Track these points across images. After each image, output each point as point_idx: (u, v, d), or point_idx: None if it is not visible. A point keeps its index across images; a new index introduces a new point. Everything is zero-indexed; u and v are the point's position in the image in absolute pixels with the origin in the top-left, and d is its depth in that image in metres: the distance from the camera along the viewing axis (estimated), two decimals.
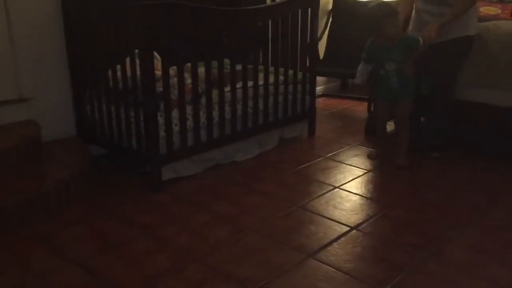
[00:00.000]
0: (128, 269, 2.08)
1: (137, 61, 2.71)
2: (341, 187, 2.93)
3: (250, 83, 3.26)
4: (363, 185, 2.96)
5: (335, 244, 2.28)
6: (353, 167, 3.24)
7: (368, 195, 2.82)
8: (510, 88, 3.14)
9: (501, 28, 3.23)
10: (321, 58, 4.86)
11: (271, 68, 3.50)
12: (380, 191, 2.91)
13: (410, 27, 3.34)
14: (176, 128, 2.87)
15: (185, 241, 2.30)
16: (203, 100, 2.99)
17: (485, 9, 3.82)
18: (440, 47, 3.08)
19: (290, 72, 3.60)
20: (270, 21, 3.57)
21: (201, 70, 2.97)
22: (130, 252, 2.21)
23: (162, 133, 2.80)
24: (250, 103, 3.31)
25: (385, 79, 3.14)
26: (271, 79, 3.45)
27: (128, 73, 2.80)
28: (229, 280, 2.00)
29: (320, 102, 4.80)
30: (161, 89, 2.76)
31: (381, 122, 3.43)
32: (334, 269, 2.08)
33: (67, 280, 2.00)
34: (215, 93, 3.05)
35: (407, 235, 2.38)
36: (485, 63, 3.18)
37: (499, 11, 3.81)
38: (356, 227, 2.45)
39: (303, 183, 3.00)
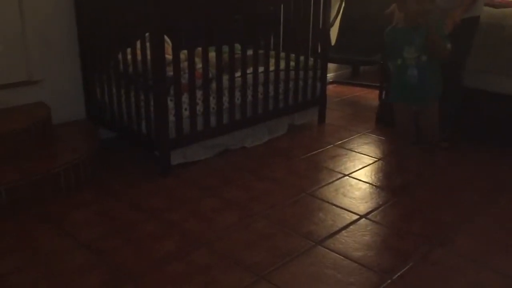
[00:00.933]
0: (135, 252, 2.09)
1: (148, 44, 2.69)
2: (350, 175, 2.91)
3: (261, 69, 3.24)
4: (373, 173, 2.94)
5: (343, 232, 2.27)
6: (363, 155, 3.22)
7: (378, 184, 2.80)
8: None
9: None
10: (332, 44, 4.80)
11: (282, 54, 3.46)
12: (390, 179, 2.89)
13: None
14: (186, 113, 2.86)
15: (193, 226, 2.30)
16: (213, 85, 2.97)
17: None
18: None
19: (301, 58, 3.56)
20: (282, 5, 3.52)
21: (212, 54, 2.94)
22: (138, 236, 2.22)
23: (171, 117, 2.79)
24: (261, 88, 3.29)
25: (402, 71, 2.60)
26: (282, 64, 3.42)
27: (139, 56, 2.79)
28: (237, 265, 2.00)
29: (330, 89, 4.76)
30: (171, 73, 2.74)
31: (404, 130, 2.86)
32: (342, 257, 2.07)
33: (75, 262, 2.01)
34: (225, 78, 3.02)
35: (416, 224, 2.37)
36: (501, 49, 3.12)
37: None
38: (365, 215, 2.43)
39: (312, 170, 2.98)
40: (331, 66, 4.82)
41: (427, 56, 2.53)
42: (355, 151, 3.29)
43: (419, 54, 2.53)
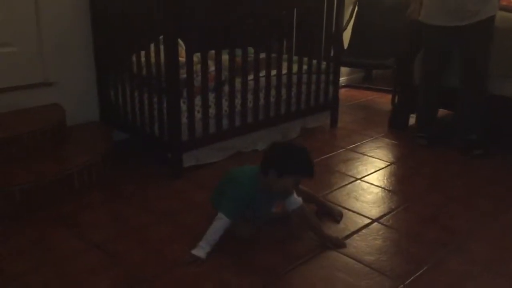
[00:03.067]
0: (147, 254, 2.09)
1: (162, 47, 2.70)
2: (363, 179, 2.89)
3: (273, 72, 3.24)
4: (385, 178, 2.92)
5: (355, 236, 2.26)
6: (375, 159, 3.20)
7: (390, 188, 2.79)
8: None
9: None
10: (345, 47, 4.79)
11: (295, 58, 3.46)
12: (403, 184, 2.87)
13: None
14: (198, 115, 2.87)
15: (205, 229, 2.29)
16: (226, 88, 2.98)
17: None
18: (469, 30, 3.01)
19: (314, 61, 3.56)
20: (295, 9, 3.52)
21: (225, 57, 2.95)
22: (150, 238, 2.23)
23: (184, 120, 2.80)
24: (273, 92, 3.29)
25: None
26: (295, 68, 3.42)
27: (152, 59, 2.81)
28: (248, 268, 2.00)
29: (343, 93, 4.74)
30: (184, 75, 2.76)
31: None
32: (354, 261, 2.06)
33: (88, 263, 2.02)
34: (238, 81, 3.03)
35: (429, 229, 2.35)
36: None
37: None
38: (377, 219, 2.42)
39: (324, 173, 2.97)
40: (343, 70, 4.81)
41: None
42: (368, 155, 3.27)
43: None
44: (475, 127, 3.25)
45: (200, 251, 2.04)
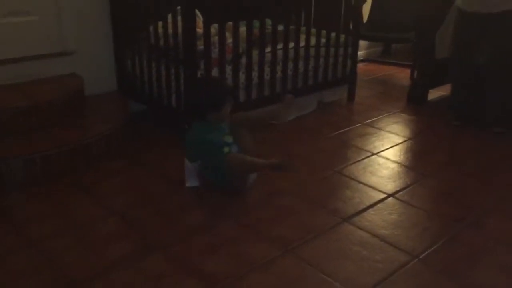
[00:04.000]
0: (165, 222, 2.13)
1: (179, 18, 2.69)
2: (379, 154, 2.88)
3: (291, 45, 3.20)
4: (401, 153, 2.91)
5: (370, 210, 2.27)
6: (392, 134, 3.18)
7: (407, 163, 2.77)
8: None
9: None
10: (364, 21, 4.70)
11: (313, 30, 3.41)
12: (419, 159, 2.85)
13: None
14: None
15: (220, 199, 2.33)
16: (243, 60, 2.96)
17: None
18: (502, 19, 2.93)
19: (332, 34, 3.51)
20: None
21: (242, 29, 2.93)
22: (167, 206, 2.26)
23: None
24: (290, 65, 3.26)
25: None
26: (313, 41, 3.38)
27: (170, 30, 2.79)
28: (264, 239, 2.02)
29: (361, 67, 4.68)
30: (202, 47, 2.74)
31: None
32: (369, 234, 2.07)
33: (106, 230, 2.07)
34: (255, 53, 3.01)
35: (445, 205, 2.34)
36: None
37: None
38: (393, 194, 2.42)
39: (340, 148, 2.97)
40: (362, 43, 4.73)
41: None
42: (384, 130, 3.25)
43: None
44: (497, 107, 3.19)
45: (191, 183, 2.39)
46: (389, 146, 3.00)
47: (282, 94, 2.96)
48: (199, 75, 2.76)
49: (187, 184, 2.41)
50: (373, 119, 3.44)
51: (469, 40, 3.15)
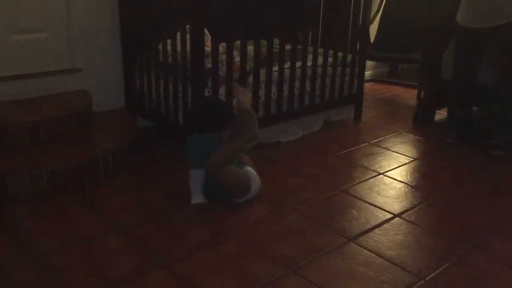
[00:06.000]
0: (169, 239, 2.12)
1: (188, 36, 2.72)
2: (385, 173, 2.87)
3: (298, 64, 3.23)
4: (408, 173, 2.90)
5: (377, 230, 2.25)
6: (398, 154, 3.17)
7: (413, 184, 2.76)
8: None
9: None
10: (371, 41, 4.74)
11: (320, 50, 3.44)
12: (426, 180, 2.84)
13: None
14: None
15: (226, 217, 2.32)
16: (251, 79, 2.99)
17: None
18: (502, 32, 2.94)
19: (340, 54, 3.53)
20: (322, 1, 3.49)
21: (250, 48, 2.95)
22: (171, 223, 2.26)
23: None
24: (297, 83, 3.28)
25: None
26: (320, 60, 3.40)
27: (178, 48, 2.83)
28: (268, 258, 2.01)
29: (367, 87, 4.70)
30: (209, 65, 2.77)
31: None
32: (374, 255, 2.05)
33: (111, 245, 2.06)
34: (262, 72, 3.03)
35: (452, 225, 2.32)
36: None
37: None
38: (399, 214, 2.40)
39: (346, 167, 2.96)
40: (369, 63, 4.76)
41: None
42: (391, 150, 3.24)
43: None
44: (499, 128, 3.18)
45: (197, 199, 2.41)
46: (396, 166, 2.99)
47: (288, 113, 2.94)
48: (206, 93, 2.79)
49: (193, 201, 2.41)
50: (379, 139, 3.44)
51: (470, 59, 3.16)
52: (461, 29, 3.15)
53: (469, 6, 3.07)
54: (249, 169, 2.48)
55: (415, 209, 2.46)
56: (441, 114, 3.91)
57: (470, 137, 3.36)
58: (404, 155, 3.17)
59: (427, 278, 1.91)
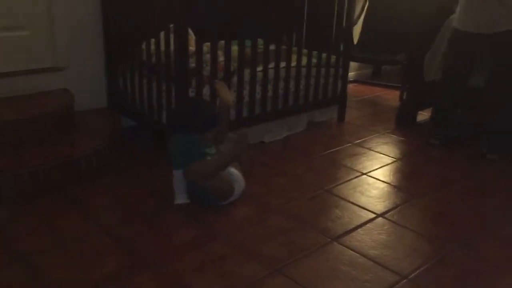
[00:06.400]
0: (154, 239, 2.11)
1: (172, 35, 2.71)
2: (368, 174, 2.90)
3: (282, 64, 3.23)
4: (391, 173, 2.92)
5: (360, 230, 2.27)
6: (381, 155, 3.20)
7: (396, 184, 2.79)
8: None
9: None
10: (355, 43, 4.77)
11: (305, 50, 3.45)
12: (409, 180, 2.87)
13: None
14: None
15: (210, 217, 2.31)
16: (235, 79, 2.98)
17: None
18: (499, 40, 2.96)
19: (324, 55, 3.55)
20: (306, 1, 3.51)
21: (234, 48, 2.95)
22: (157, 223, 2.24)
23: None
24: (282, 84, 3.29)
25: None
26: (304, 61, 3.41)
27: (162, 47, 2.81)
28: (252, 258, 2.01)
29: (351, 88, 4.73)
30: (193, 65, 2.76)
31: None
32: (358, 254, 2.06)
33: (95, 246, 2.04)
34: (247, 72, 3.03)
35: (435, 225, 2.35)
36: None
37: None
38: (382, 214, 2.42)
39: (330, 167, 2.98)
40: (352, 65, 4.78)
41: None
42: (374, 151, 3.27)
43: None
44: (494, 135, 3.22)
45: (181, 199, 2.39)
46: (379, 166, 3.02)
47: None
48: (190, 92, 2.77)
49: (176, 201, 2.40)
50: (363, 139, 3.47)
51: (465, 63, 3.19)
52: (458, 34, 3.14)
53: (469, 11, 3.05)
54: (233, 170, 2.47)
55: (398, 209, 2.49)
56: (423, 115, 3.96)
57: (455, 138, 3.40)
58: (387, 155, 3.20)
59: (410, 277, 1.93)
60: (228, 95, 2.61)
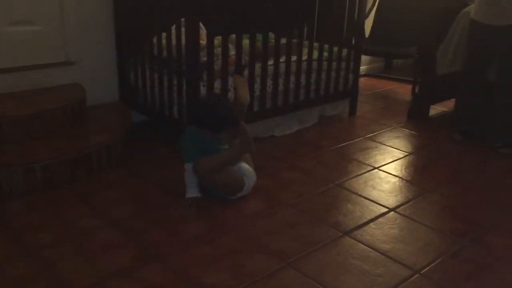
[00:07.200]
0: (164, 233, 2.12)
1: (183, 29, 2.70)
2: (380, 168, 2.87)
3: (293, 58, 3.22)
4: (403, 168, 2.90)
5: (371, 224, 2.25)
6: (393, 149, 3.17)
7: (408, 178, 2.76)
8: None
9: None
10: (366, 36, 4.73)
11: (316, 44, 3.43)
12: (421, 174, 2.84)
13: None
14: None
15: (221, 211, 2.32)
16: (246, 72, 2.97)
17: None
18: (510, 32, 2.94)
19: (335, 49, 3.53)
20: None
21: (246, 42, 2.94)
22: (167, 217, 2.25)
23: None
24: (293, 78, 3.27)
25: None
26: (315, 55, 3.39)
27: (173, 41, 2.81)
28: (264, 251, 2.01)
29: (362, 81, 4.70)
30: (205, 58, 2.75)
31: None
32: (370, 249, 2.05)
33: (105, 240, 2.05)
34: (258, 65, 3.02)
35: (447, 220, 2.33)
36: None
37: None
38: (394, 208, 2.40)
39: (341, 161, 2.96)
40: (364, 58, 4.76)
41: None
42: (386, 145, 3.24)
43: None
44: (503, 127, 3.17)
45: (192, 193, 2.36)
46: (391, 160, 2.99)
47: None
48: (201, 86, 2.77)
49: (187, 195, 2.40)
50: (374, 133, 3.44)
51: (482, 54, 3.15)
52: (474, 24, 3.10)
53: (483, 3, 3.01)
54: (244, 165, 2.46)
55: (410, 203, 2.47)
56: (435, 109, 3.92)
57: (477, 133, 3.34)
58: (399, 149, 3.17)
59: (422, 272, 1.91)
60: (246, 94, 2.57)
